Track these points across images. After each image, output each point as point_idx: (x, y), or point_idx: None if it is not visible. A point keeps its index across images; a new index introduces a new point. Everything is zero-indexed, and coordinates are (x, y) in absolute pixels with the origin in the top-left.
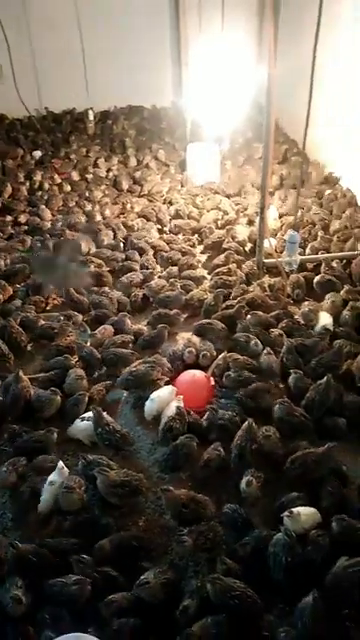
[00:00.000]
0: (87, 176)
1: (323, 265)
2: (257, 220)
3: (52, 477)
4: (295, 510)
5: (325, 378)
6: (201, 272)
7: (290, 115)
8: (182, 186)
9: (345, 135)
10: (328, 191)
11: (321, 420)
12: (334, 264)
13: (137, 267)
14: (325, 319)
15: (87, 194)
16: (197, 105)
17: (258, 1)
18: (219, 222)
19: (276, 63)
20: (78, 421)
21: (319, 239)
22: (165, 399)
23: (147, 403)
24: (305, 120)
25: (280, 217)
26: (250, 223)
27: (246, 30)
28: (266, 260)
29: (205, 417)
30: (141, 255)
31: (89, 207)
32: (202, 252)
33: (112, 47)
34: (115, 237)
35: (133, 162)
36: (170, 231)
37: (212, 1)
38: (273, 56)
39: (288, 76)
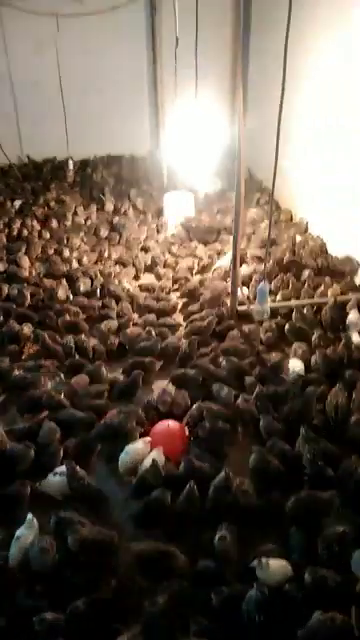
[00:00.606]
0: (66, 223)
1: (295, 311)
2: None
3: (20, 531)
4: (264, 559)
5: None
6: (177, 319)
7: (263, 165)
8: (158, 233)
9: (313, 184)
10: (299, 238)
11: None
12: (305, 311)
13: (114, 314)
14: (296, 365)
15: (66, 242)
16: (174, 155)
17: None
18: (194, 270)
19: (248, 118)
20: (50, 476)
21: (291, 286)
22: (140, 452)
23: (121, 456)
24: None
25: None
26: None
27: (220, 85)
28: (239, 307)
29: (181, 468)
30: (117, 302)
31: (67, 254)
32: (178, 298)
33: (92, 101)
34: (92, 284)
35: (111, 210)
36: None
37: (186, 63)
38: (242, 118)
39: (260, 129)
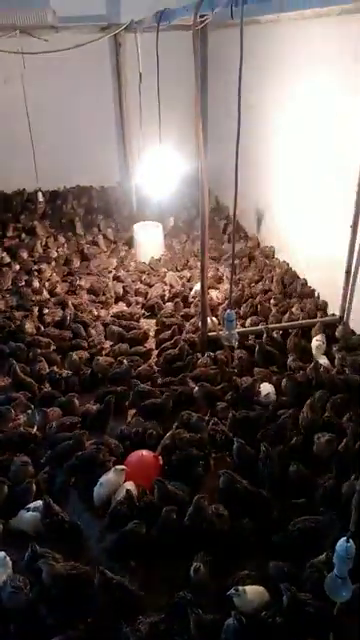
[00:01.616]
0: (36, 254)
1: (264, 335)
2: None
3: None
4: (241, 588)
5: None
6: (149, 346)
7: (229, 193)
8: (130, 262)
9: (278, 212)
10: (267, 263)
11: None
12: (274, 334)
13: (85, 344)
14: (267, 389)
15: (36, 273)
16: (142, 185)
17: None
18: (166, 296)
19: (214, 150)
20: (23, 512)
21: (259, 311)
22: (114, 482)
23: (95, 488)
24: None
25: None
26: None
27: (186, 118)
28: (210, 334)
29: (155, 492)
30: (88, 332)
31: (38, 285)
32: (153, 326)
33: (60, 134)
34: (63, 314)
35: (82, 240)
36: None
37: (151, 96)
38: (202, 150)
39: (225, 160)
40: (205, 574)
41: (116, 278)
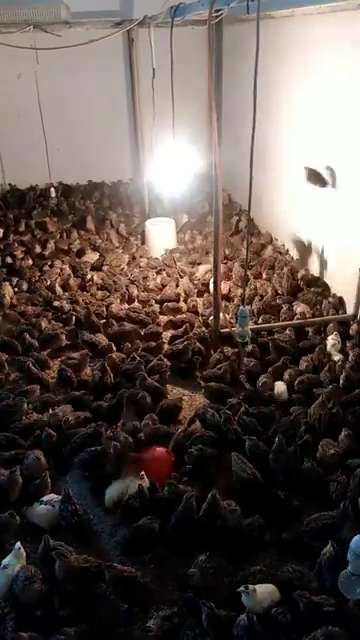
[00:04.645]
0: (49, 250)
1: (276, 332)
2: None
3: (7, 560)
4: (251, 586)
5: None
6: (161, 342)
7: (241, 190)
8: (141, 258)
9: (291, 209)
10: (280, 260)
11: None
12: (287, 331)
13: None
14: (280, 387)
15: (49, 268)
16: (155, 181)
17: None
18: (179, 293)
19: (227, 147)
20: (37, 504)
21: (271, 308)
22: (126, 481)
23: (108, 490)
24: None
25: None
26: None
27: (198, 116)
28: (222, 330)
29: (165, 491)
30: (100, 329)
31: (50, 281)
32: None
33: (73, 129)
34: (76, 311)
35: (94, 236)
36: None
37: (164, 92)
38: (217, 147)
39: (238, 157)
40: (201, 579)
41: (128, 274)
